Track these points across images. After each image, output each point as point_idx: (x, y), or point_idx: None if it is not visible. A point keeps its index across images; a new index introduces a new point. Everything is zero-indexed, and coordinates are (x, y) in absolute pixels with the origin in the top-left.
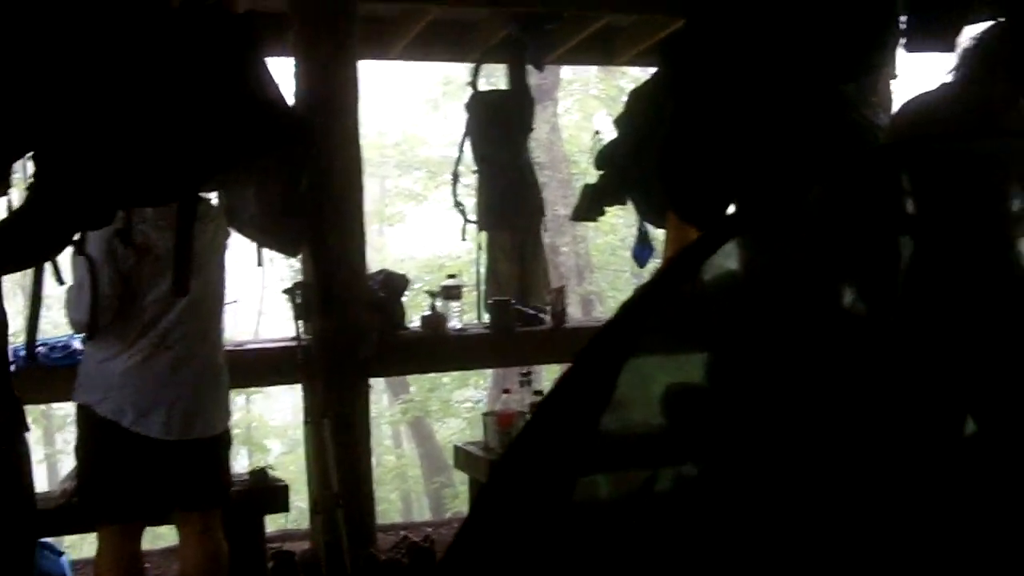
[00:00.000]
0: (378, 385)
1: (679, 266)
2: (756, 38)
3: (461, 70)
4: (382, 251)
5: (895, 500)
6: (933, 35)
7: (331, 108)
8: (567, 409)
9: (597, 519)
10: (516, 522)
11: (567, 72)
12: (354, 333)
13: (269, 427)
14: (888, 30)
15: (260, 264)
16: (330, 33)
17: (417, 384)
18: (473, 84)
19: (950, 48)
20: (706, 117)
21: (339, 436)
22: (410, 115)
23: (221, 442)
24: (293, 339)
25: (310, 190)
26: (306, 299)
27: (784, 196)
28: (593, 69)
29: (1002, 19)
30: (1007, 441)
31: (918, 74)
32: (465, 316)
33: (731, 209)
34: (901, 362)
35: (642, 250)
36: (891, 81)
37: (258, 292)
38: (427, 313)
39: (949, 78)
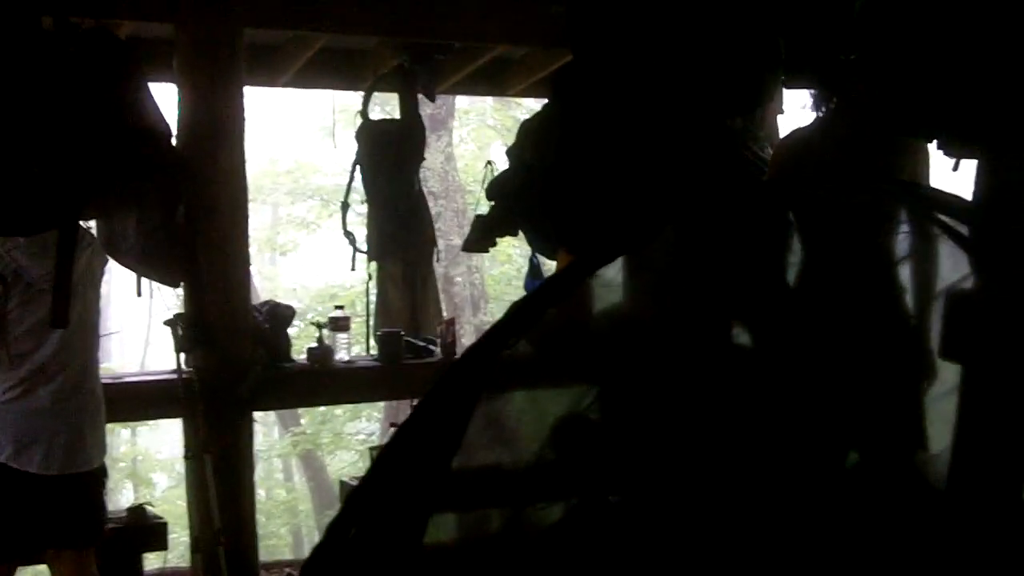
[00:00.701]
0: (268, 418)
1: (520, 312)
2: (642, 72)
3: (356, 98)
4: (274, 280)
5: (780, 528)
6: (810, 72)
7: (215, 135)
8: (415, 450)
9: (459, 559)
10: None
11: (463, 102)
12: (237, 367)
13: (155, 460)
14: (770, 67)
15: (139, 295)
16: (214, 59)
17: (308, 416)
18: (363, 113)
19: (831, 83)
20: (592, 149)
21: (221, 472)
22: (304, 142)
23: (96, 478)
24: (174, 372)
25: (189, 219)
26: (187, 331)
27: (638, 234)
28: (489, 99)
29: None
30: (887, 470)
31: (802, 109)
32: (355, 348)
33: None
34: (785, 394)
35: (533, 282)
36: (778, 116)
37: (145, 322)
38: (313, 345)
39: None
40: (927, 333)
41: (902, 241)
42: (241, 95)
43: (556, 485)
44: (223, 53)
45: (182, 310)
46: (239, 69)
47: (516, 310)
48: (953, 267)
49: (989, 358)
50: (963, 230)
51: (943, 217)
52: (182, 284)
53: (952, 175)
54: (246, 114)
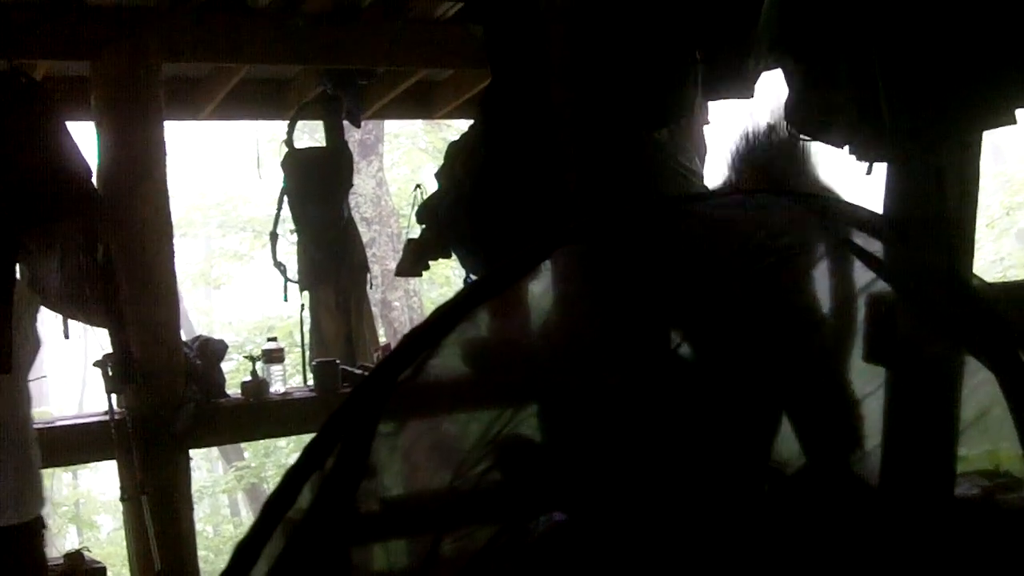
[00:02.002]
0: (211, 453)
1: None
2: (562, 88)
3: (283, 127)
4: (210, 314)
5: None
6: (728, 82)
7: (136, 172)
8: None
9: None
10: None
11: (392, 126)
12: (169, 404)
13: (99, 502)
14: (686, 78)
15: (67, 336)
16: (132, 96)
17: (252, 450)
18: (288, 142)
19: (748, 94)
20: (515, 168)
21: (160, 512)
22: (233, 174)
23: (32, 530)
24: (106, 413)
25: (109, 258)
26: (116, 371)
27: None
28: (419, 122)
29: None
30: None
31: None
32: (293, 379)
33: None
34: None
35: None
36: (704, 127)
37: (81, 363)
38: (247, 379)
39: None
40: (846, 336)
41: (816, 249)
42: (161, 130)
43: (497, 506)
44: (141, 89)
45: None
46: (158, 104)
47: (410, 341)
48: (866, 272)
49: (911, 361)
50: (875, 246)
51: (854, 232)
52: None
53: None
54: (169, 149)
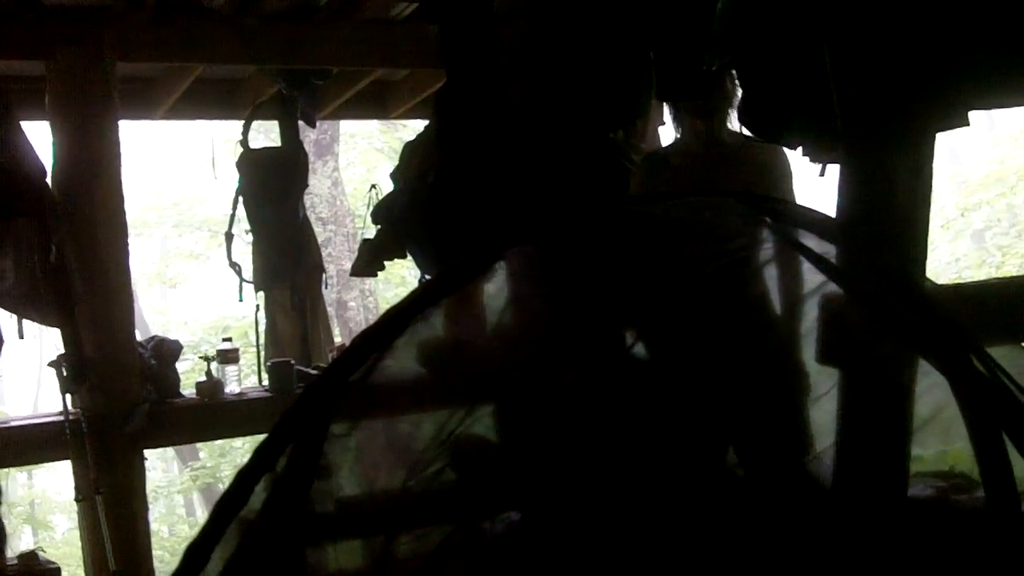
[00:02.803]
0: (167, 453)
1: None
2: (518, 89)
3: (239, 127)
4: (166, 314)
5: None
6: (682, 83)
7: (91, 171)
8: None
9: None
10: None
11: (349, 126)
12: (124, 404)
13: (54, 502)
14: (640, 80)
15: (21, 336)
16: (87, 95)
17: (207, 450)
18: (244, 142)
19: (701, 95)
20: (470, 168)
21: (115, 512)
22: (189, 174)
23: None
24: (61, 413)
25: (62, 258)
26: (71, 371)
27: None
28: (375, 122)
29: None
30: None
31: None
32: (248, 379)
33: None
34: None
35: None
36: (659, 127)
37: (36, 363)
38: (202, 379)
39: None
40: (797, 339)
41: (766, 252)
42: (116, 130)
43: (451, 505)
44: (95, 88)
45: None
46: (113, 104)
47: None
48: (816, 274)
49: (864, 363)
50: (827, 248)
51: (804, 235)
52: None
53: (819, 180)
54: (124, 148)
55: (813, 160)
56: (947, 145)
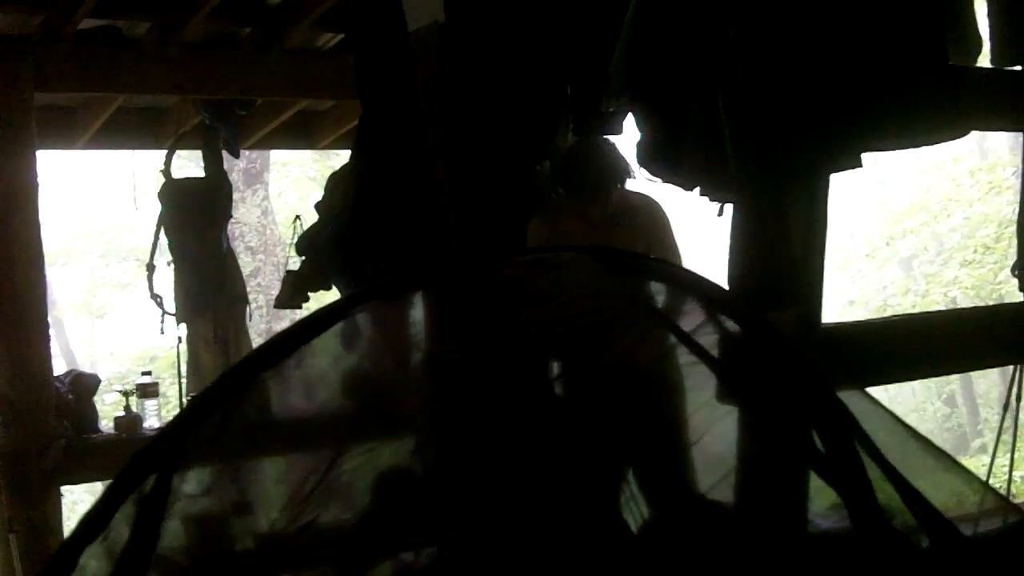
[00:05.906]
0: (94, 488)
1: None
2: (433, 120)
3: (163, 156)
4: (93, 344)
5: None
6: (596, 119)
7: (7, 202)
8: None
9: None
10: None
11: (280, 154)
12: (39, 440)
13: None
14: (557, 115)
15: None
16: (3, 124)
17: None
18: (166, 172)
19: (616, 131)
20: (388, 199)
21: (31, 551)
22: (116, 203)
23: None
24: None
25: None
26: None
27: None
28: (308, 151)
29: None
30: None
31: None
32: (171, 413)
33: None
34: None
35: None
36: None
37: None
38: (120, 414)
39: None
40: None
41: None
42: (34, 159)
43: (382, 540)
44: (13, 118)
45: None
46: (30, 133)
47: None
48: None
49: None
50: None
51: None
52: None
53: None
54: (48, 177)
55: (711, 200)
56: (874, 174)
